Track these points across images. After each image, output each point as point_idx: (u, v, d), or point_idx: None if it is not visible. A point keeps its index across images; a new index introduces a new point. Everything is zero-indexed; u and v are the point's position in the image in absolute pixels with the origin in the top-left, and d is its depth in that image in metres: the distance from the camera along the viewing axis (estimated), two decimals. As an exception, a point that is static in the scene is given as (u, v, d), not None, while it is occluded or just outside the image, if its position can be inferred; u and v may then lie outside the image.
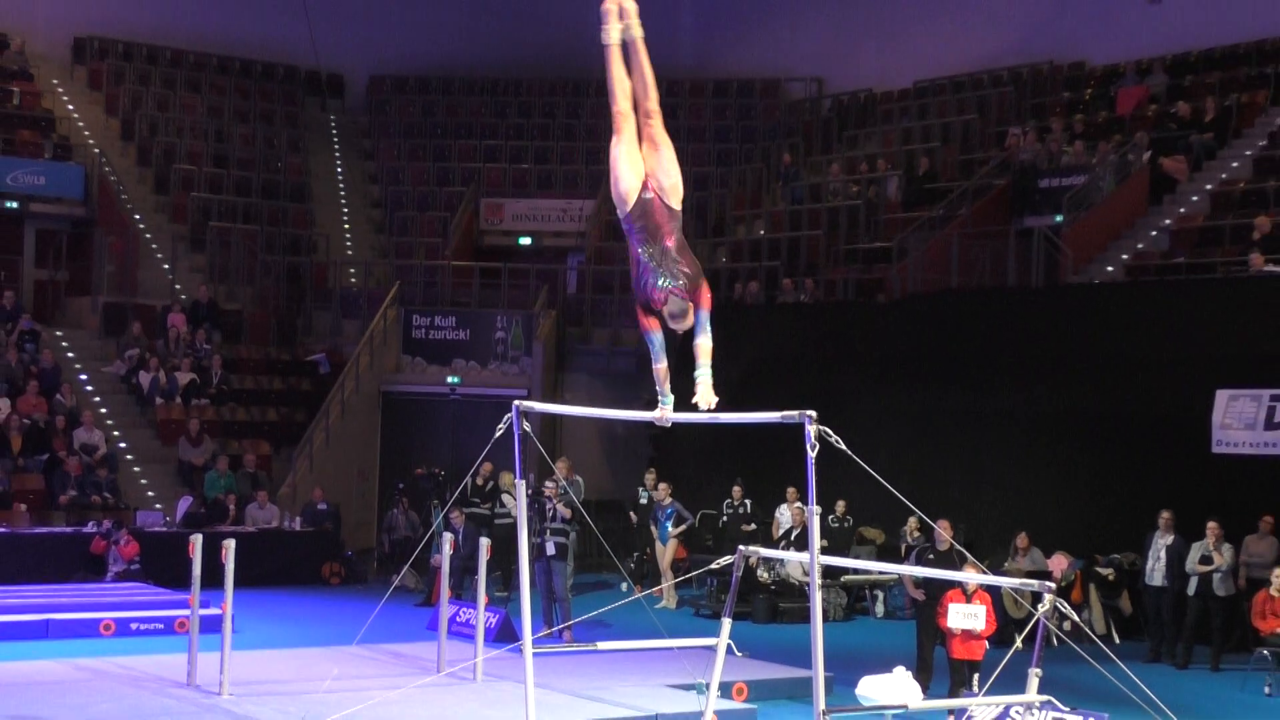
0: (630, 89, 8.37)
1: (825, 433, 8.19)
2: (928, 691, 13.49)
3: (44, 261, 29.49)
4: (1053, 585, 9.03)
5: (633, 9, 8.40)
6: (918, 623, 15.38)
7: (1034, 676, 8.80)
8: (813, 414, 8.13)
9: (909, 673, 12.66)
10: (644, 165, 8.31)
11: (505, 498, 21.84)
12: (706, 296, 8.28)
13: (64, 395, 25.37)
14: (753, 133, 33.49)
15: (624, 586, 21.89)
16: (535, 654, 9.58)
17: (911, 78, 32.26)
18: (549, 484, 18.64)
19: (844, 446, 8.32)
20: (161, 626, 18.22)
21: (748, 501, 23.10)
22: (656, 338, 8.36)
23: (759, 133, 33.39)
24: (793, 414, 8.22)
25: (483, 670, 14.55)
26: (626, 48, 8.38)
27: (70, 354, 27.01)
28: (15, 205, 28.76)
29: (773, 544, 21.15)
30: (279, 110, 34.17)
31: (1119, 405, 21.25)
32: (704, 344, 8.30)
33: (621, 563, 18.49)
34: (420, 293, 29.68)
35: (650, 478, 23.44)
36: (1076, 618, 9.12)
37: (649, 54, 8.40)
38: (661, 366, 8.51)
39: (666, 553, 22.42)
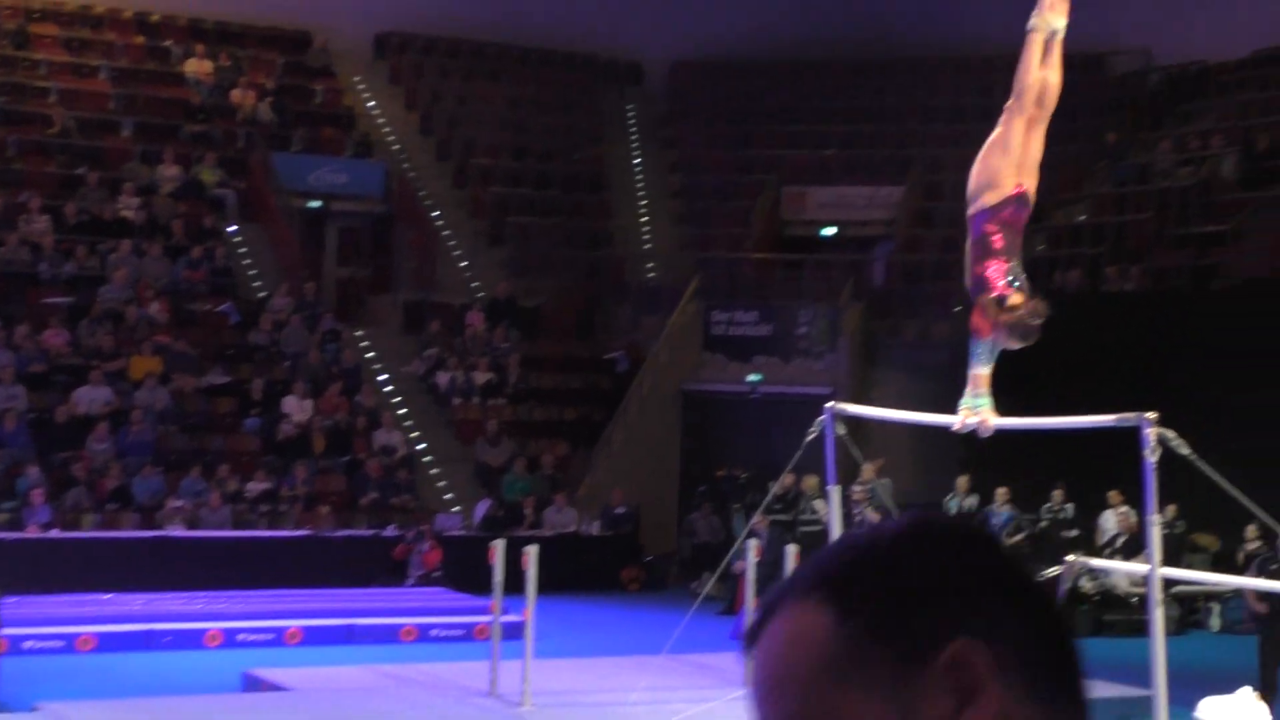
0: (1040, 81, 8.32)
1: (1165, 435, 7.25)
2: (1275, 714, 12.13)
3: (346, 259, 29.63)
4: None
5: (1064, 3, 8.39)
6: (1261, 638, 14.19)
7: None
8: (1152, 416, 7.16)
9: (1255, 693, 11.41)
10: (1025, 159, 8.11)
11: (817, 503, 20.98)
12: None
13: (364, 396, 25.33)
14: (1074, 110, 31.53)
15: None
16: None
17: (1249, 46, 30.09)
18: (855, 487, 17.87)
19: (1187, 450, 7.36)
20: (462, 633, 18.32)
21: (1069, 505, 21.73)
22: (986, 342, 8.01)
23: (1081, 110, 31.53)
24: (1130, 416, 7.33)
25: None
26: (1049, 39, 8.45)
27: (370, 353, 27.01)
28: (319, 204, 28.92)
29: (1095, 551, 20.04)
30: (577, 100, 33.66)
31: None
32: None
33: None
34: (720, 286, 28.82)
35: (963, 482, 22.20)
36: None
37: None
38: (982, 372, 8.04)
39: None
